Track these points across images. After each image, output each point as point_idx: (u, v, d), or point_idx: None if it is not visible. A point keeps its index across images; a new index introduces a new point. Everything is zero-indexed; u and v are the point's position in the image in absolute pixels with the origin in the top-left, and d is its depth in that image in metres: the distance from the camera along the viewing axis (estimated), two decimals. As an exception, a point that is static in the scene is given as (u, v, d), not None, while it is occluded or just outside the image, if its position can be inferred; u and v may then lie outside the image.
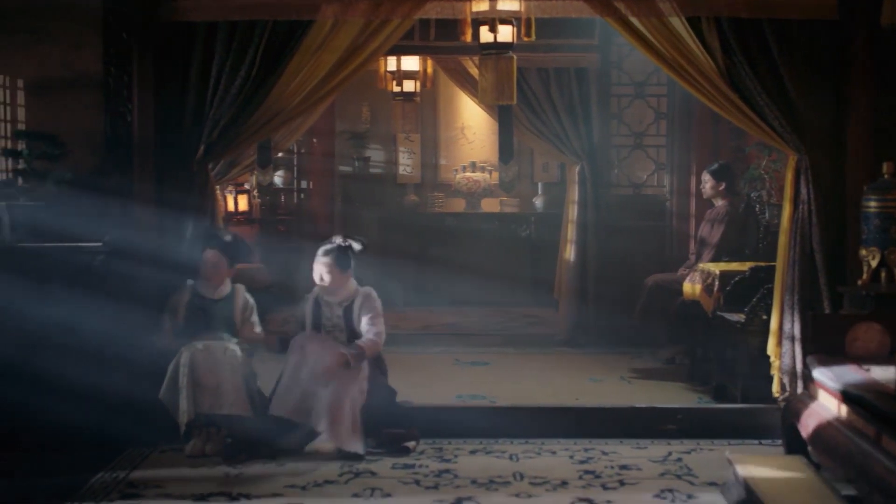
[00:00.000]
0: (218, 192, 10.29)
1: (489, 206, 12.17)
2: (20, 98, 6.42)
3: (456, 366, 8.10)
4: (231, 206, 11.05)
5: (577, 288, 9.02)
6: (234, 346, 5.96)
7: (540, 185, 12.11)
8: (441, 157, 12.53)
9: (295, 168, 12.22)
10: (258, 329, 6.28)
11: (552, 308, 9.79)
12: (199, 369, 5.78)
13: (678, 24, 6.16)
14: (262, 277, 10.24)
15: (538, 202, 11.98)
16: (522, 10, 7.14)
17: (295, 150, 12.12)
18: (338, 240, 6.20)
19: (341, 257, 6.14)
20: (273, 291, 10.93)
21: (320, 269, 6.12)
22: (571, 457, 5.73)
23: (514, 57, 7.47)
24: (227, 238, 6.23)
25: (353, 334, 6.09)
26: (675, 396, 6.96)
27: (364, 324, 6.09)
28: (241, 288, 6.29)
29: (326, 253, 6.14)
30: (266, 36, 6.21)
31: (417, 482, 5.27)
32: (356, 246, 6.21)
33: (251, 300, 6.30)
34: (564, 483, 5.24)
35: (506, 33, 7.36)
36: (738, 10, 6.04)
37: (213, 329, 6.04)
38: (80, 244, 5.83)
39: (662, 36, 6.20)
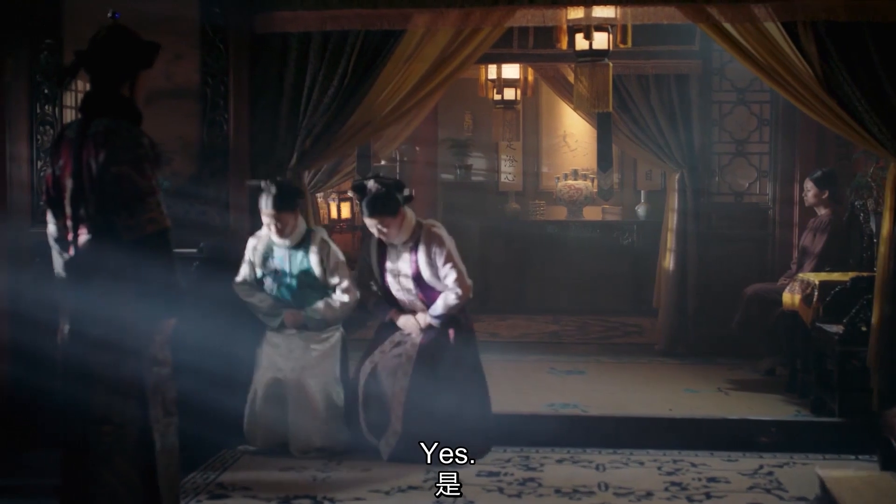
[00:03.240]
0: (321, 199, 10.57)
1: (591, 214, 12.10)
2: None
3: (550, 374, 8.06)
4: (334, 214, 11.24)
5: (676, 297, 8.89)
6: (316, 370, 5.96)
7: (642, 192, 11.99)
8: (543, 164, 12.52)
9: (398, 176, 12.33)
10: (344, 288, 5.98)
11: (652, 317, 9.67)
12: (268, 408, 5.95)
13: (773, 29, 6.05)
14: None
15: (640, 210, 11.87)
16: (618, 17, 7.09)
17: (398, 159, 12.26)
18: (371, 185, 5.81)
19: (388, 204, 5.80)
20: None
21: (375, 228, 5.85)
22: (659, 468, 5.66)
23: (610, 64, 7.44)
24: (273, 190, 5.88)
25: (419, 278, 5.90)
26: (772, 409, 6.79)
27: (440, 273, 5.88)
28: (318, 231, 6.10)
29: (372, 213, 5.79)
30: (358, 46, 6.31)
31: (501, 490, 5.27)
32: (392, 183, 5.88)
33: (332, 244, 6.04)
34: (649, 494, 5.19)
35: (601, 40, 7.34)
36: (836, 13, 5.87)
37: (294, 286, 5.99)
38: (176, 251, 5.96)
39: (757, 42, 6.11)
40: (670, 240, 8.96)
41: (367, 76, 6.33)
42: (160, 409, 3.99)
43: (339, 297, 6.02)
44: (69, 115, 6.30)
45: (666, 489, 5.27)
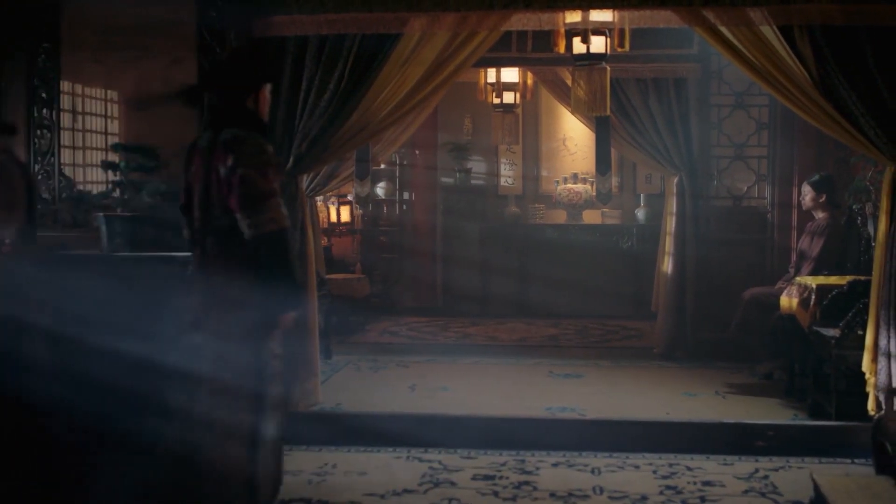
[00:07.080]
0: (321, 203, 10.57)
1: (591, 217, 12.07)
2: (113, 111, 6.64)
3: (549, 378, 8.06)
4: (334, 217, 11.25)
5: (675, 301, 8.89)
6: None
7: (642, 196, 11.99)
8: (542, 168, 12.50)
9: (397, 180, 12.36)
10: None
11: (651, 321, 9.68)
12: None
13: (769, 32, 6.04)
14: (363, 287, 10.39)
15: (640, 214, 11.86)
16: (614, 20, 7.09)
17: (397, 162, 12.27)
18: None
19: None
20: (374, 302, 11.11)
21: None
22: (655, 472, 5.66)
23: (608, 68, 7.44)
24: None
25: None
26: (769, 413, 6.79)
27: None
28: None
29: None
30: (355, 50, 6.30)
31: (496, 493, 5.26)
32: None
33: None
34: (644, 498, 5.18)
35: (599, 44, 7.34)
36: (832, 17, 5.85)
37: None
38: (173, 254, 5.99)
39: (753, 45, 6.09)
40: (669, 243, 8.96)
41: (363, 79, 6.32)
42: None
43: None
44: (66, 119, 6.33)
45: (661, 493, 5.27)
